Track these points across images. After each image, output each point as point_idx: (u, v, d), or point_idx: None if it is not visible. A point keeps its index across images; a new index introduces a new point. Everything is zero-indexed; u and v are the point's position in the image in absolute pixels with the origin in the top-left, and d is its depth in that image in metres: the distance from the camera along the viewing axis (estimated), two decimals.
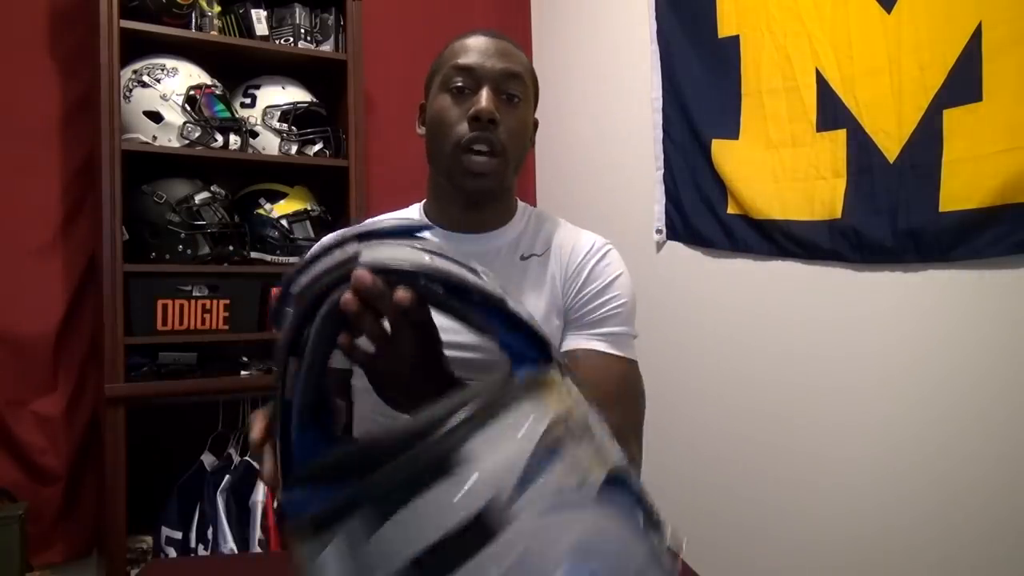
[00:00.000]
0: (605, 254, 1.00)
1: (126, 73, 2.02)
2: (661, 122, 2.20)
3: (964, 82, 1.47)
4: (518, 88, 0.91)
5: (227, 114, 2.13)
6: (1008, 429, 1.43)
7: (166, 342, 2.03)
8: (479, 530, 0.38)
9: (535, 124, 0.97)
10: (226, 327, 2.09)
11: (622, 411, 0.91)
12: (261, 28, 2.24)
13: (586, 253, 0.99)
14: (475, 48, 0.92)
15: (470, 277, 0.49)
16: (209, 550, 1.96)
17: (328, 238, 0.56)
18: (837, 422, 1.74)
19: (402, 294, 0.48)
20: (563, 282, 0.98)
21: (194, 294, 2.04)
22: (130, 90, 2.01)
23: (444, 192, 0.98)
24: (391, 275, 0.49)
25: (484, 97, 0.87)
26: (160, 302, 2.01)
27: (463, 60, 0.90)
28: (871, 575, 1.65)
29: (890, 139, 1.60)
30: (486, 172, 0.91)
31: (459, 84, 0.90)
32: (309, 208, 2.24)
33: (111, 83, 1.94)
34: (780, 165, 1.84)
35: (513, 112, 0.91)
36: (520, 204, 1.05)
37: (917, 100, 1.55)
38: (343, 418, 0.54)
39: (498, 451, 0.40)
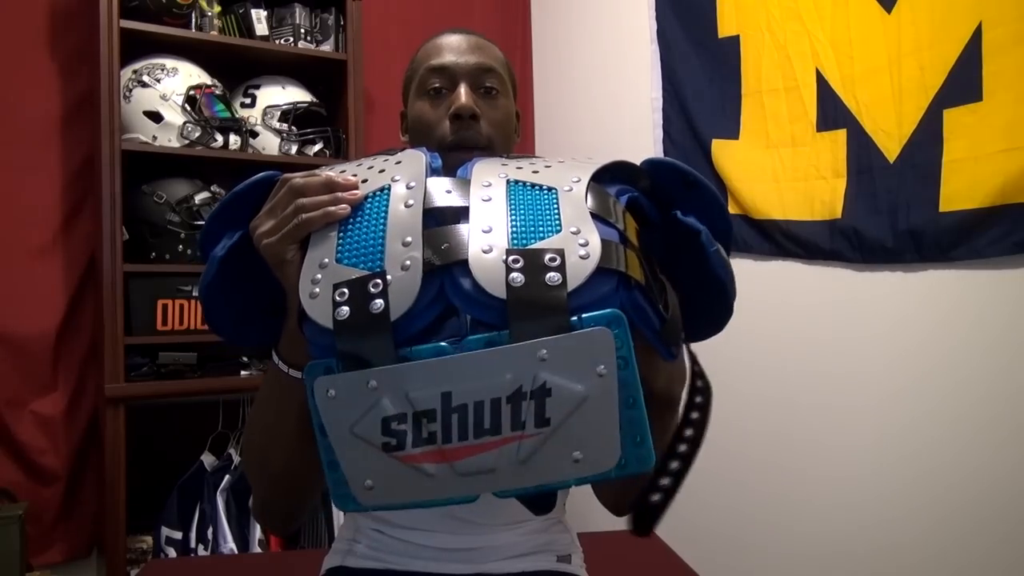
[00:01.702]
0: None
1: (126, 73, 2.02)
2: (661, 122, 2.20)
3: (964, 82, 1.47)
4: (494, 81, 0.89)
5: (227, 114, 2.13)
6: (1009, 429, 1.43)
7: (166, 342, 2.03)
8: None
9: (517, 115, 0.95)
10: None
11: None
12: (261, 28, 2.24)
13: None
14: (446, 47, 0.90)
15: None
16: (209, 550, 1.96)
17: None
18: (837, 422, 1.74)
19: None
20: None
21: (194, 294, 2.04)
22: (130, 90, 2.01)
23: None
24: None
25: (462, 94, 0.85)
26: (160, 302, 2.01)
27: (436, 61, 0.88)
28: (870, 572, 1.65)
29: (890, 139, 1.60)
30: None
31: (435, 85, 0.88)
32: None
33: (111, 83, 1.94)
34: (780, 165, 1.84)
35: (493, 104, 0.88)
36: None
37: (917, 100, 1.55)
38: None
39: None
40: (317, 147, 2.27)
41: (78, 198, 2.15)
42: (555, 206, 0.55)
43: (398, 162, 0.62)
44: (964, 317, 1.50)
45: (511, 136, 0.91)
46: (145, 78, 2.02)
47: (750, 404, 1.94)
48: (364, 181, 0.60)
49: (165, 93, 2.02)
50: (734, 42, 1.97)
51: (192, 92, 2.05)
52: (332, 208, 0.58)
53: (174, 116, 2.03)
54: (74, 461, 2.11)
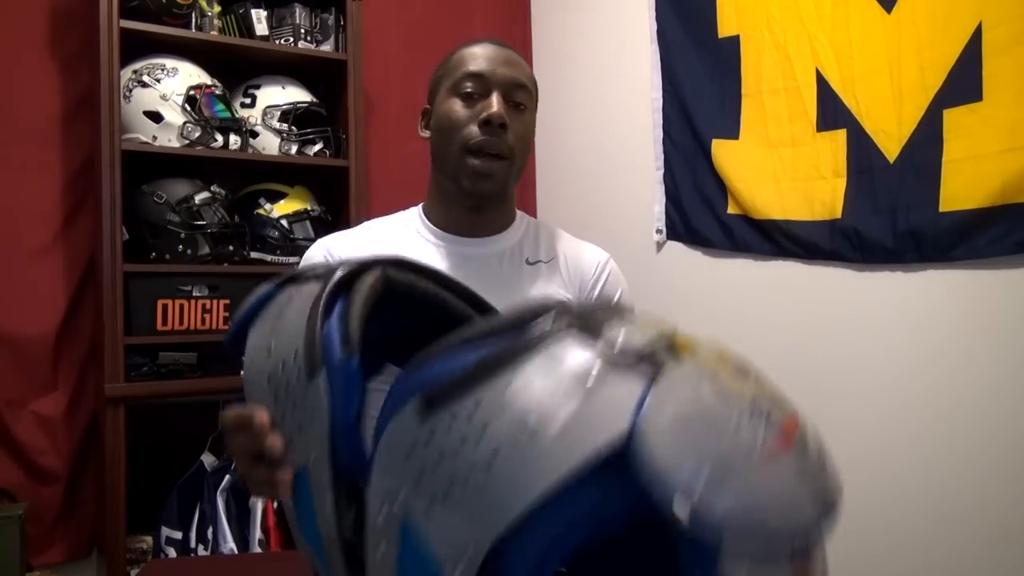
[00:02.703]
0: (611, 271, 1.05)
1: (126, 73, 2.02)
2: (661, 122, 2.20)
3: (964, 82, 1.47)
4: (524, 97, 0.96)
5: (227, 114, 2.13)
6: (1008, 428, 1.43)
7: (166, 342, 2.03)
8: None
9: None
10: (226, 327, 2.08)
11: None
12: (261, 28, 2.23)
13: (595, 270, 1.03)
14: (484, 56, 0.95)
15: None
16: (209, 550, 1.96)
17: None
18: (837, 422, 1.74)
19: None
20: (575, 296, 1.01)
21: (194, 294, 2.04)
22: (130, 90, 2.01)
23: (447, 194, 0.99)
24: None
25: (495, 102, 0.91)
26: (160, 302, 2.01)
27: (473, 67, 0.94)
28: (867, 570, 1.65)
29: (890, 139, 1.60)
30: (492, 173, 0.93)
31: (469, 89, 0.93)
32: (309, 208, 2.24)
33: (111, 83, 1.94)
34: (780, 165, 1.84)
35: (520, 119, 0.95)
36: (518, 212, 1.07)
37: (917, 100, 1.55)
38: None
39: None
40: (317, 147, 2.27)
41: (78, 198, 2.15)
42: None
43: (313, 412, 0.52)
44: (964, 317, 1.51)
45: (528, 151, 0.99)
46: (145, 78, 2.02)
47: None
48: (291, 436, 0.54)
49: (165, 93, 2.02)
50: (734, 42, 1.97)
51: (192, 92, 2.05)
52: (274, 490, 0.55)
53: (174, 116, 2.03)
54: (74, 461, 2.11)
